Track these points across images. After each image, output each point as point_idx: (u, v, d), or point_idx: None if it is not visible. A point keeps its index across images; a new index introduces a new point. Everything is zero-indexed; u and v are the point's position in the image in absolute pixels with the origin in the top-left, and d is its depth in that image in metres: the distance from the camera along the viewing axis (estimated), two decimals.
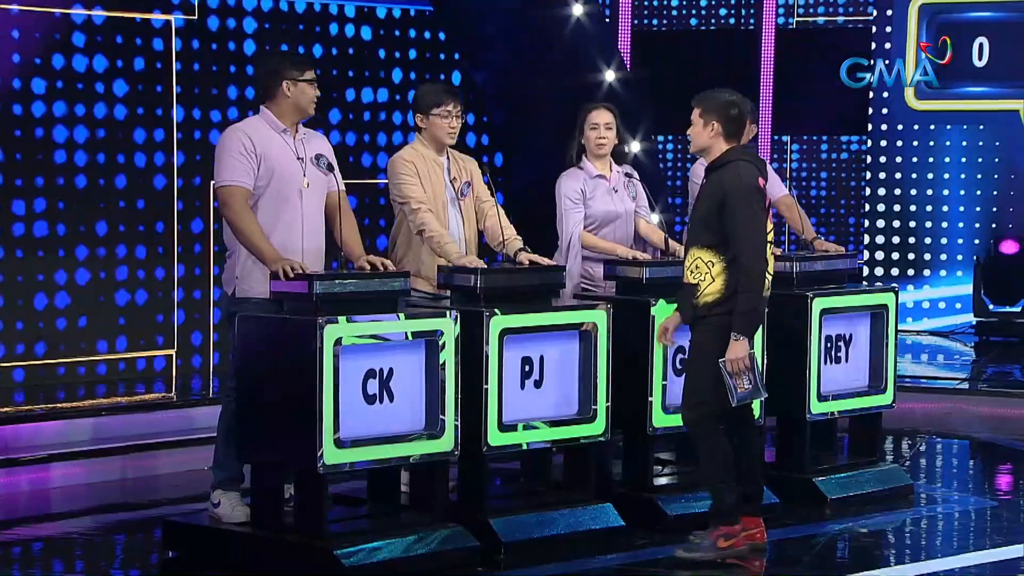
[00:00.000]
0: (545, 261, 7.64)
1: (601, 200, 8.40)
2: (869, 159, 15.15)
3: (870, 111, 14.99)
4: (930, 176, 14.92)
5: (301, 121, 7.28)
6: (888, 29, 14.86)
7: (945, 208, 14.90)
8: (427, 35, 12.75)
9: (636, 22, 16.12)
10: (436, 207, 7.70)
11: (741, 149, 7.32)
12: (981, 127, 14.72)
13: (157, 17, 11.06)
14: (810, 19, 16.11)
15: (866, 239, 15.14)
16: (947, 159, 14.87)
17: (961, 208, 14.85)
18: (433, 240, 7.61)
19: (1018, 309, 14.28)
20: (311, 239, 7.20)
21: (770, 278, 7.26)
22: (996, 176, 14.73)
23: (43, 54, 10.54)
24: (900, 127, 14.91)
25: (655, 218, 8.95)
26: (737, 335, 7.08)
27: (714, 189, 7.19)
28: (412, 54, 12.64)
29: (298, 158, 7.18)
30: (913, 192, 14.95)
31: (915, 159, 14.93)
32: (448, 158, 7.84)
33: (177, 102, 11.17)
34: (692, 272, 7.22)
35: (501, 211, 7.96)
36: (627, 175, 8.55)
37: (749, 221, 7.10)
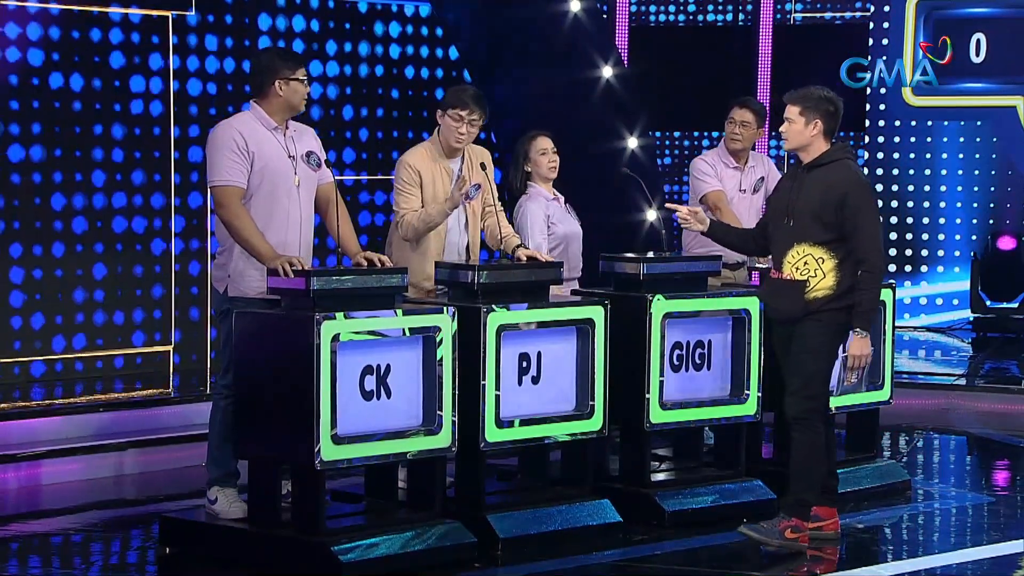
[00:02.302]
0: (544, 257, 7.64)
1: (563, 221, 8.46)
2: (866, 155, 15.14)
3: (867, 107, 14.99)
4: (927, 172, 14.93)
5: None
6: (886, 25, 14.86)
7: (942, 204, 14.90)
8: (424, 31, 12.74)
9: (634, 18, 16.12)
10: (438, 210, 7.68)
11: (842, 147, 7.38)
12: (979, 123, 14.73)
13: (154, 12, 11.05)
14: (808, 15, 16.11)
15: None
16: (944, 155, 14.88)
17: (958, 204, 14.85)
18: (411, 224, 7.55)
19: (1015, 305, 14.29)
20: (303, 236, 7.21)
21: None
22: (993, 172, 14.74)
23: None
24: (897, 123, 14.92)
25: (652, 213, 8.96)
26: (861, 331, 7.15)
27: (825, 186, 7.22)
28: (409, 50, 12.64)
29: (289, 156, 7.18)
30: (910, 188, 14.96)
31: (912, 155, 14.93)
32: (462, 159, 7.82)
33: (174, 102, 11.17)
34: (799, 269, 7.25)
35: (500, 209, 7.96)
36: (568, 205, 8.63)
37: (871, 218, 7.20)
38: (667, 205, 7.89)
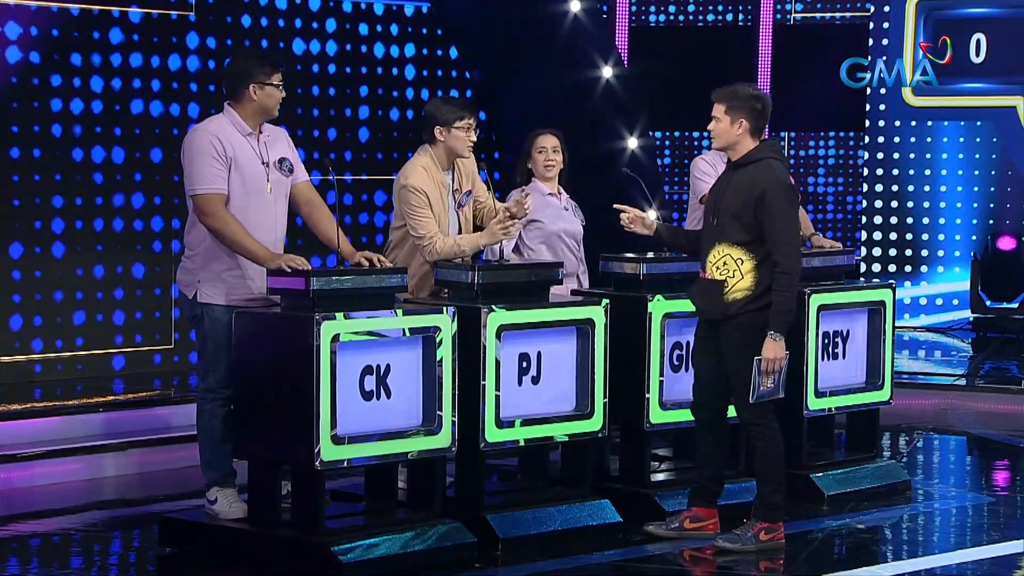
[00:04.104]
0: (546, 257, 7.63)
1: (556, 217, 8.44)
2: (866, 155, 15.14)
3: (867, 107, 14.99)
4: (927, 172, 14.93)
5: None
6: (886, 25, 14.86)
7: (942, 204, 14.90)
8: (424, 31, 12.75)
9: (634, 18, 16.12)
10: (441, 228, 7.65)
11: (769, 146, 7.35)
12: (979, 123, 14.72)
13: (154, 12, 11.06)
14: (808, 15, 16.11)
15: (863, 235, 15.14)
16: (944, 155, 14.87)
17: (958, 204, 14.85)
18: (440, 252, 7.52)
19: (1015, 305, 14.29)
20: (276, 241, 7.17)
21: None
22: (993, 172, 14.74)
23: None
24: (897, 123, 14.91)
25: (652, 213, 8.95)
26: (775, 334, 7.12)
27: (746, 186, 7.20)
28: (410, 50, 12.64)
29: (263, 163, 7.14)
30: (910, 188, 14.95)
31: (912, 155, 14.93)
32: (453, 169, 7.80)
33: (175, 98, 11.18)
34: (719, 268, 7.22)
35: (499, 207, 7.95)
36: (575, 204, 8.62)
37: (787, 219, 7.16)
38: (614, 206, 7.83)
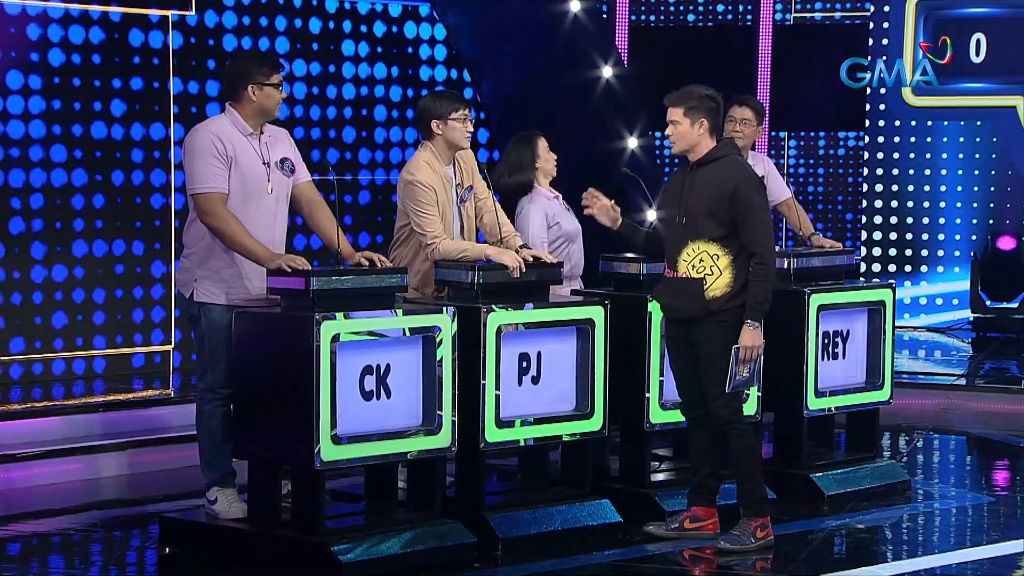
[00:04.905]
0: (548, 257, 7.64)
1: (567, 218, 8.46)
2: (866, 155, 15.14)
3: (867, 107, 14.99)
4: (927, 172, 14.93)
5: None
6: (886, 25, 14.86)
7: (942, 204, 14.90)
8: (424, 31, 12.74)
9: (634, 18, 16.12)
10: (446, 223, 7.66)
11: (729, 143, 7.43)
12: (979, 123, 14.72)
13: (154, 12, 11.06)
14: (807, 15, 16.11)
15: (863, 235, 15.14)
16: (944, 155, 14.88)
17: (958, 204, 14.85)
18: (444, 253, 7.53)
19: (1015, 305, 14.29)
20: (275, 242, 7.17)
21: None
22: (993, 172, 14.74)
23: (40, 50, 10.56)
24: (897, 123, 14.91)
25: (652, 213, 8.96)
26: (752, 323, 7.14)
27: (714, 183, 7.23)
28: (409, 50, 12.64)
29: (264, 163, 7.15)
30: (910, 188, 14.95)
31: (912, 155, 14.93)
32: (454, 164, 7.81)
33: (174, 101, 11.17)
34: (694, 266, 7.24)
35: (499, 207, 7.95)
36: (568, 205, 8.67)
37: (762, 212, 7.22)
38: (590, 190, 7.87)
